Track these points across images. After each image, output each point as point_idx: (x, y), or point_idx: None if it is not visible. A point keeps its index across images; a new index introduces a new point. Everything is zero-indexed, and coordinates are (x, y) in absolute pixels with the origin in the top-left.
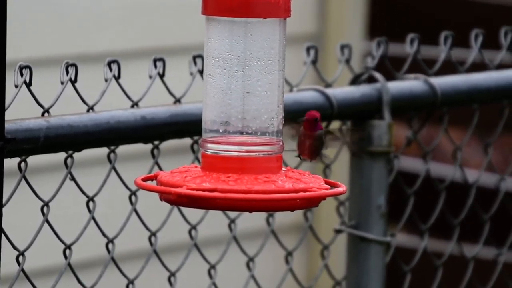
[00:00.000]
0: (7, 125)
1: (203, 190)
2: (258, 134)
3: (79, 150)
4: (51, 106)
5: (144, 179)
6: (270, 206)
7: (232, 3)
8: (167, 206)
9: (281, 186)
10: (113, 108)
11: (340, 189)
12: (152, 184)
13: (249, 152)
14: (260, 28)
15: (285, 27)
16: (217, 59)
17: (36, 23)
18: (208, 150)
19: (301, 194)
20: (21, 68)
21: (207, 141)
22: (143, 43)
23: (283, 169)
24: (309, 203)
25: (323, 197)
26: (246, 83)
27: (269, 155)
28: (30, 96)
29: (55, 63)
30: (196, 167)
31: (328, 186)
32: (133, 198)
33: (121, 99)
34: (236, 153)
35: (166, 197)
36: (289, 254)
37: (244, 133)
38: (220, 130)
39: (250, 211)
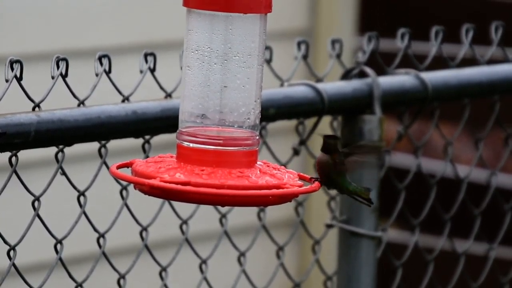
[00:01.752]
0: None
1: (177, 183)
2: (235, 127)
3: (70, 144)
4: (42, 101)
5: (119, 167)
6: (242, 202)
7: None
8: (159, 201)
9: (255, 182)
10: (104, 103)
11: (313, 186)
12: (127, 173)
13: (225, 146)
14: (241, 23)
15: (265, 22)
16: (196, 52)
17: (26, 18)
18: (184, 142)
19: (273, 191)
20: (11, 63)
21: (183, 132)
22: (134, 38)
23: (258, 163)
24: (282, 199)
25: (295, 194)
26: (225, 76)
27: (244, 149)
28: (21, 90)
29: (45, 57)
30: (171, 157)
31: (302, 183)
32: (124, 192)
33: (112, 93)
34: (211, 146)
35: (140, 187)
36: (280, 249)
37: (220, 126)
38: (197, 122)
39: (223, 206)
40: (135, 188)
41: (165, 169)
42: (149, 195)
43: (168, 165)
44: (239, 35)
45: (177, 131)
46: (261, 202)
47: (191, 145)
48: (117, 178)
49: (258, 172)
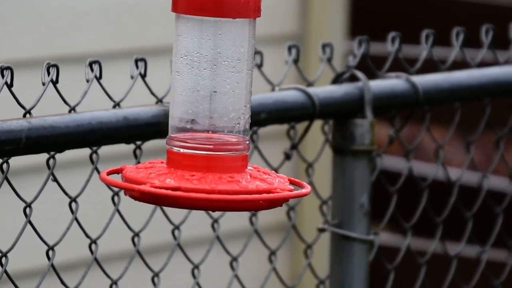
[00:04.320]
0: None
1: (166, 188)
2: (225, 132)
3: (61, 151)
4: (32, 107)
5: (110, 173)
6: (232, 207)
7: (202, 2)
8: (150, 206)
9: (245, 187)
10: (95, 109)
11: (303, 191)
12: (117, 178)
13: (215, 151)
14: (230, 28)
15: (254, 27)
16: (185, 57)
17: (17, 24)
18: (174, 148)
19: (264, 195)
20: (2, 69)
21: (173, 138)
22: (124, 44)
23: (249, 167)
24: (273, 204)
25: (286, 199)
26: (214, 81)
27: (235, 154)
28: (11, 97)
29: (36, 64)
30: (162, 162)
31: (292, 188)
32: (116, 198)
33: (103, 99)
34: (201, 152)
35: (130, 193)
36: (272, 253)
37: (210, 132)
38: (187, 127)
39: (213, 211)
40: (125, 194)
41: (155, 175)
42: (140, 201)
43: (159, 171)
44: (228, 40)
45: (167, 136)
46: (252, 207)
47: (181, 150)
48: (107, 184)
49: (249, 177)
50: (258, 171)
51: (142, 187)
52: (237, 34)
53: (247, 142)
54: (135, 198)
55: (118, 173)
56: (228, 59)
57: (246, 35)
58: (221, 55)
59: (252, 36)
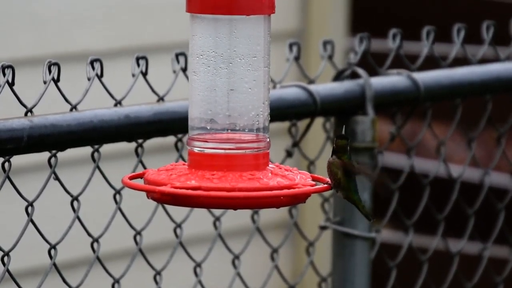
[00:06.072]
0: None
1: (187, 188)
2: (245, 131)
3: (62, 149)
4: (34, 106)
5: (131, 178)
6: (254, 204)
7: (216, 1)
8: (152, 204)
9: (266, 183)
10: (97, 107)
11: (324, 185)
12: (140, 182)
13: (235, 149)
14: (244, 25)
15: (269, 23)
16: (201, 57)
17: (18, 23)
18: (195, 148)
19: (285, 191)
20: (3, 68)
21: (193, 138)
22: (125, 42)
23: (270, 165)
24: (294, 200)
25: (307, 194)
26: (231, 80)
27: (255, 152)
28: (13, 96)
29: (37, 62)
30: (183, 164)
31: (314, 183)
32: (117, 197)
33: (104, 98)
34: (222, 151)
35: (152, 195)
36: (274, 251)
37: (230, 130)
38: (207, 128)
39: (235, 209)
40: (147, 197)
41: (176, 176)
42: (161, 202)
43: (180, 172)
44: (243, 38)
45: (187, 137)
46: (273, 203)
47: (201, 150)
48: (129, 188)
49: (270, 174)
50: (280, 168)
51: (162, 188)
52: (252, 31)
53: (268, 139)
54: (157, 200)
55: (140, 178)
56: (244, 56)
57: (261, 32)
58: (237, 53)
59: (267, 32)
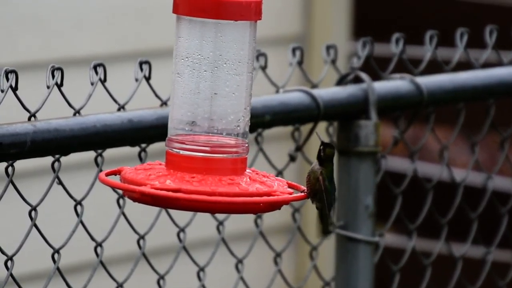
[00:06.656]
0: None
1: (167, 190)
2: (224, 135)
3: (66, 154)
4: (37, 111)
5: (108, 174)
6: (232, 209)
7: (204, 4)
8: (155, 209)
9: (245, 189)
10: (100, 112)
11: (301, 194)
12: (116, 179)
13: (215, 153)
14: (231, 30)
15: (255, 30)
16: (186, 59)
17: (21, 27)
18: (174, 149)
19: (264, 198)
20: (6, 73)
21: (173, 140)
22: (129, 46)
23: (247, 170)
24: (273, 207)
25: (286, 202)
26: (214, 83)
27: (234, 156)
28: (16, 100)
29: (41, 67)
30: (160, 164)
31: (292, 190)
32: (121, 201)
33: (108, 102)
34: (201, 154)
35: (130, 194)
36: (277, 255)
37: (210, 134)
38: (187, 129)
39: (213, 213)
40: (124, 195)
41: (155, 176)
42: (139, 202)
43: (158, 172)
44: (229, 42)
45: (167, 138)
46: (252, 209)
47: (180, 152)
48: (106, 185)
49: (248, 179)
50: (257, 174)
51: (142, 188)
52: (238, 36)
53: (247, 145)
54: (135, 199)
55: (116, 174)
56: (228, 61)
57: (247, 37)
58: (222, 57)
59: (253, 38)
